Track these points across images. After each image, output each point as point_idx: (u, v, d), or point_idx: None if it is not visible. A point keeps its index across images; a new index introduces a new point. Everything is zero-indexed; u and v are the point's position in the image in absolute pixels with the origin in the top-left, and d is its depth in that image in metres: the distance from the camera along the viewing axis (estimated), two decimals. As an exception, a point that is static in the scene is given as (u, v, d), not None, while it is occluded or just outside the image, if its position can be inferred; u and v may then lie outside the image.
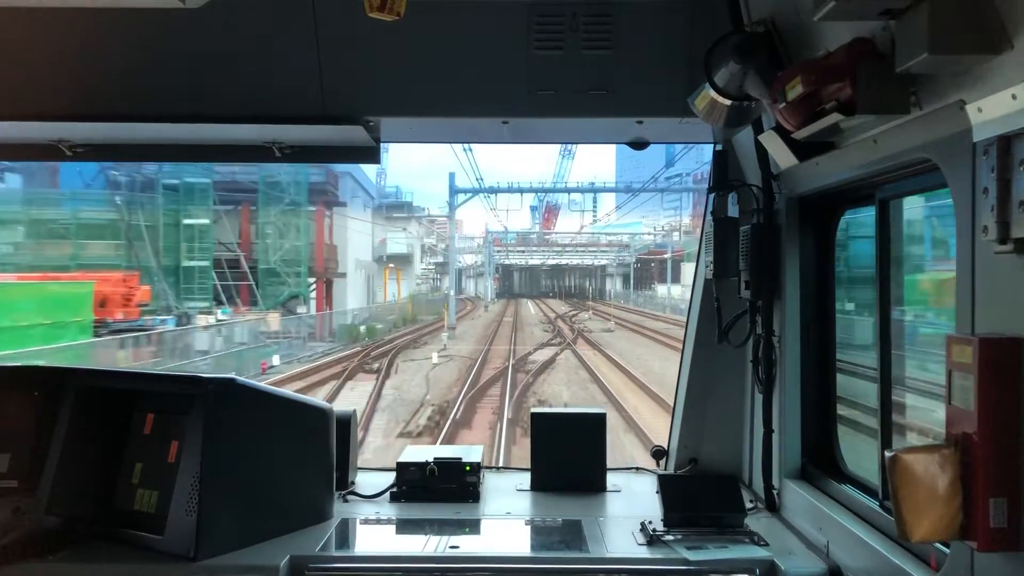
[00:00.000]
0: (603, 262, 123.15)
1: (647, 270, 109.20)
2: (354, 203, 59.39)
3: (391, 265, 74.42)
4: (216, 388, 3.46)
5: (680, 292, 75.32)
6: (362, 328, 47.93)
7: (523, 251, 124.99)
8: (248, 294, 47.32)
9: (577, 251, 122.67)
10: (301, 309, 47.42)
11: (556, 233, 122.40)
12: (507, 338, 47.06)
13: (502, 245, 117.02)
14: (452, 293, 61.26)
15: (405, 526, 3.74)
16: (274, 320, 41.09)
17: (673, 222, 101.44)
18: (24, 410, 3.59)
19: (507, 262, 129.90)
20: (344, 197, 56.65)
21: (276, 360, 33.03)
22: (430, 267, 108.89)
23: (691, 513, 3.54)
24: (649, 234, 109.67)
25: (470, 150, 62.10)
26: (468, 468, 4.07)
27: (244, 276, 47.39)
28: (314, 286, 51.78)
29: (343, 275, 55.40)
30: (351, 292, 57.90)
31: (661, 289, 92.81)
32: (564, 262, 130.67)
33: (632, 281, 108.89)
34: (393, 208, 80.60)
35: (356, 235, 59.37)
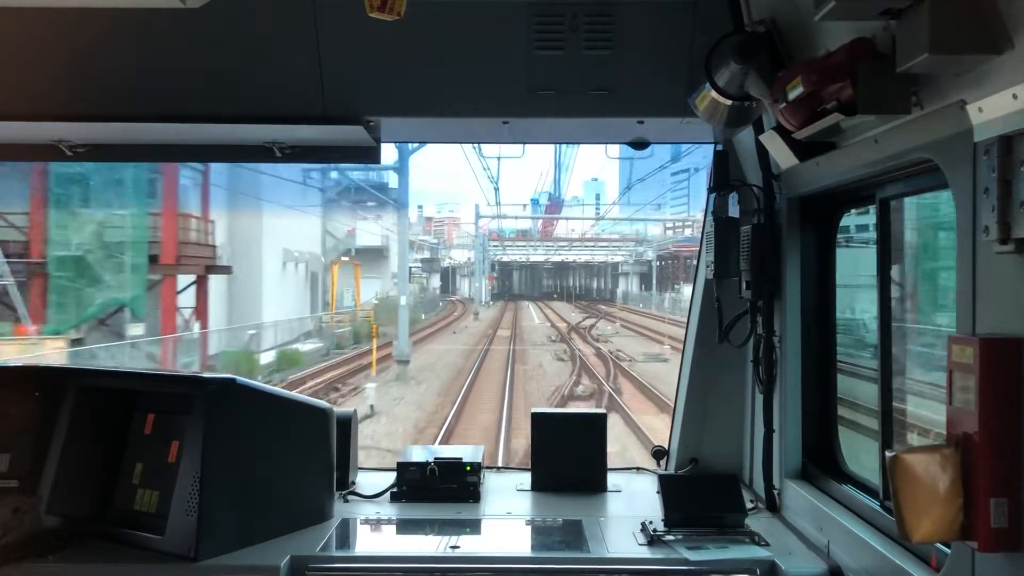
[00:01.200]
0: (616, 258, 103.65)
1: (670, 268, 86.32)
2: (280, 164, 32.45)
3: (346, 259, 56.62)
4: (216, 388, 3.46)
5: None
6: (264, 358, 31.52)
7: (524, 245, 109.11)
8: (43, 304, 26.74)
9: (586, 246, 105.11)
10: (135, 329, 27.43)
11: (563, 217, 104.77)
12: (497, 381, 27.50)
13: (499, 239, 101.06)
14: (403, 301, 32.81)
15: (405, 526, 3.74)
16: (56, 351, 23.73)
17: (681, 218, 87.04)
18: (24, 410, 3.59)
19: (505, 259, 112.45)
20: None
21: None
22: (416, 264, 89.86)
23: (692, 513, 3.54)
24: (670, 226, 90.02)
25: (479, 150, 53.47)
26: (468, 468, 4.07)
27: (34, 271, 26.51)
28: (194, 290, 30.71)
29: (227, 269, 33.58)
30: (272, 296, 39.05)
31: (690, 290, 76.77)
32: (572, 259, 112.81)
33: (654, 280, 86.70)
34: (363, 192, 59.65)
35: (285, 213, 39.27)
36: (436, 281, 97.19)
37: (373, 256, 65.78)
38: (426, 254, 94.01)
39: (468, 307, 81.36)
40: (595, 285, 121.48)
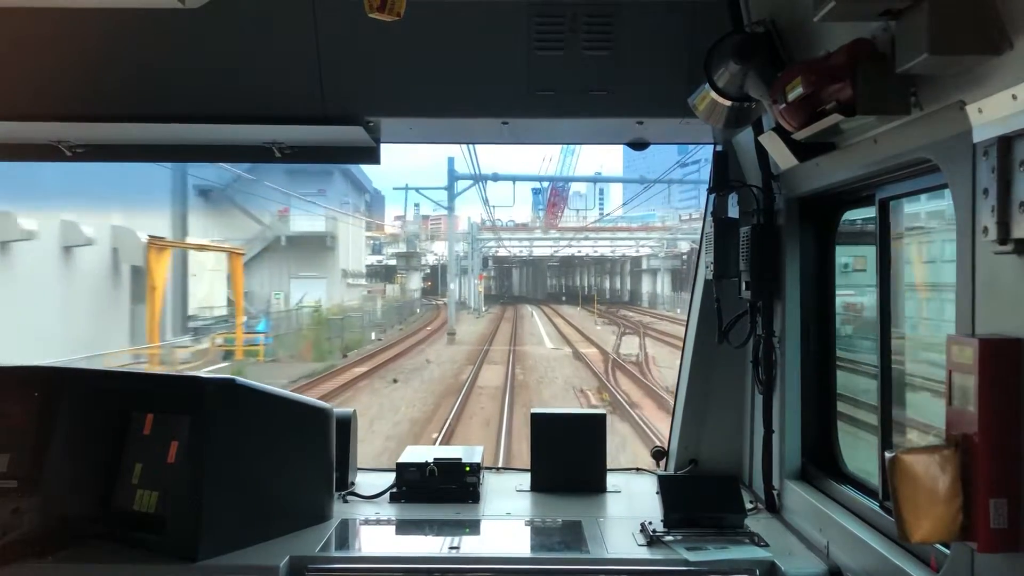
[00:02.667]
0: (642, 251, 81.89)
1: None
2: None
3: (207, 241, 37.08)
4: (216, 388, 3.47)
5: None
6: None
7: (526, 234, 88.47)
8: None
9: (603, 236, 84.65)
10: None
11: (582, 178, 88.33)
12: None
13: (494, 230, 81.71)
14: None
15: (405, 527, 3.73)
16: None
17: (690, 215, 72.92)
18: (24, 410, 3.59)
19: (502, 254, 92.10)
20: None
21: None
22: (391, 259, 77.24)
23: (691, 514, 3.54)
24: (685, 217, 74.55)
25: (472, 149, 42.52)
26: (468, 469, 4.06)
27: None
28: None
29: None
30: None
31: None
32: (586, 252, 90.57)
33: (695, 279, 46.33)
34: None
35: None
36: (416, 281, 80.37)
37: (312, 247, 47.51)
38: (402, 247, 77.09)
39: (446, 320, 57.07)
40: (610, 285, 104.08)
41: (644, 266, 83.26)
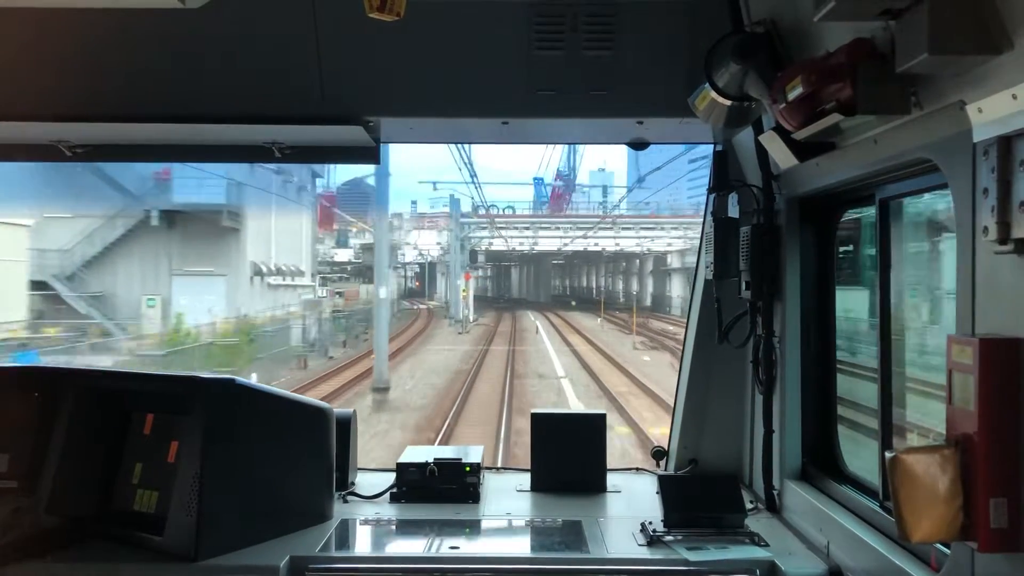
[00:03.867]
0: (675, 244, 64.47)
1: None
2: None
3: None
4: (216, 388, 3.46)
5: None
6: None
7: (527, 227, 69.76)
8: None
9: (626, 226, 67.29)
10: None
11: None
12: None
13: (487, 216, 65.49)
14: None
15: (405, 527, 3.73)
16: None
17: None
18: (24, 410, 3.59)
19: (496, 248, 73.64)
20: None
21: None
22: (355, 255, 64.39)
23: (691, 514, 3.54)
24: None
25: (467, 151, 37.54)
26: (468, 469, 4.06)
27: None
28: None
29: None
30: None
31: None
32: (603, 246, 71.68)
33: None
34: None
35: None
36: (390, 281, 53.04)
37: (206, 228, 32.03)
38: (368, 238, 61.71)
39: (432, 322, 45.88)
40: (624, 286, 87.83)
41: (677, 264, 66.02)
